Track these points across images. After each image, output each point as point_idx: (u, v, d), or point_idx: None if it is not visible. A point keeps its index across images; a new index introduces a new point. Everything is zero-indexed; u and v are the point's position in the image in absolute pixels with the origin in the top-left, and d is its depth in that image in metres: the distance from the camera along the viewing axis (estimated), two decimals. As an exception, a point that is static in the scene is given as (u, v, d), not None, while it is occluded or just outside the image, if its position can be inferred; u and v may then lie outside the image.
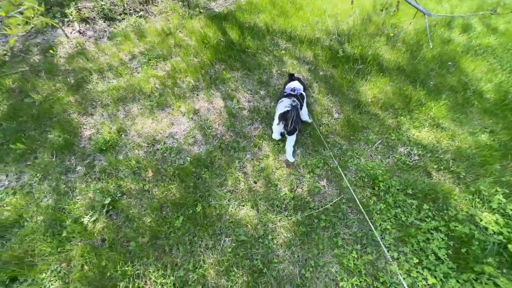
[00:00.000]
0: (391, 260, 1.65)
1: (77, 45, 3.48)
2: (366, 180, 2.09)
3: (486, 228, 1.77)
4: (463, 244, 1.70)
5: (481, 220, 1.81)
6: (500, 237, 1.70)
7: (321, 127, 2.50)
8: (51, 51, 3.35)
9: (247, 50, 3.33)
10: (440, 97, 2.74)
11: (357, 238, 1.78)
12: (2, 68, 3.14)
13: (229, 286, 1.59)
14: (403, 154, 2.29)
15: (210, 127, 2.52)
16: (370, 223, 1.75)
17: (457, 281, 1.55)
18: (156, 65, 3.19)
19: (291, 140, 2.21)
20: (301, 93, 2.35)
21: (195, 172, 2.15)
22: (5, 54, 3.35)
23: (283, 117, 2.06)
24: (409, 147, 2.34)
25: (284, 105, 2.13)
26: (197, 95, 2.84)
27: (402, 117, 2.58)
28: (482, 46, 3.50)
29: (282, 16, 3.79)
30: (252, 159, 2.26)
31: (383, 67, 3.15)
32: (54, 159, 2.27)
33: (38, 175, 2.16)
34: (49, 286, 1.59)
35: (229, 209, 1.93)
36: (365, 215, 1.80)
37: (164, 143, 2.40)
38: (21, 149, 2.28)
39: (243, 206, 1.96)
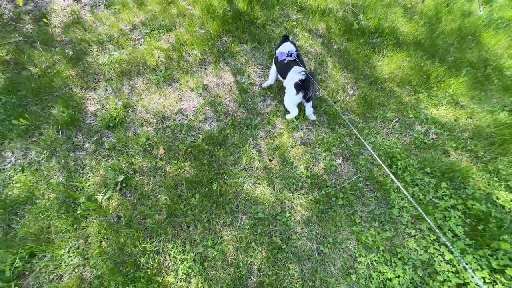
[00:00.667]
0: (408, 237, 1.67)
1: (72, 13, 3.22)
2: (383, 158, 2.06)
3: (503, 207, 1.78)
4: (479, 222, 1.71)
5: (498, 199, 1.81)
6: (517, 215, 1.71)
7: (336, 104, 2.41)
8: (44, 19, 3.10)
9: (255, 21, 3.11)
10: (460, 73, 2.63)
11: (374, 215, 1.78)
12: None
13: (249, 261, 1.60)
14: (421, 133, 2.23)
15: (221, 103, 2.41)
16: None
17: (473, 257, 1.57)
18: (160, 36, 2.99)
19: (309, 105, 2.18)
20: (298, 53, 2.20)
21: (208, 150, 2.09)
22: (-6, 22, 3.10)
23: (302, 86, 1.98)
24: (426, 126, 2.28)
25: (296, 73, 2.03)
26: (205, 69, 2.69)
27: (420, 94, 2.48)
28: (504, 19, 3.31)
29: (293, -17, 3.51)
30: (266, 137, 2.20)
31: (400, 40, 2.99)
32: (60, 136, 2.19)
33: (45, 152, 2.08)
34: (69, 262, 1.59)
35: (245, 187, 1.90)
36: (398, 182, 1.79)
37: (174, 120, 2.31)
38: (25, 125, 2.18)
39: (259, 184, 1.93)
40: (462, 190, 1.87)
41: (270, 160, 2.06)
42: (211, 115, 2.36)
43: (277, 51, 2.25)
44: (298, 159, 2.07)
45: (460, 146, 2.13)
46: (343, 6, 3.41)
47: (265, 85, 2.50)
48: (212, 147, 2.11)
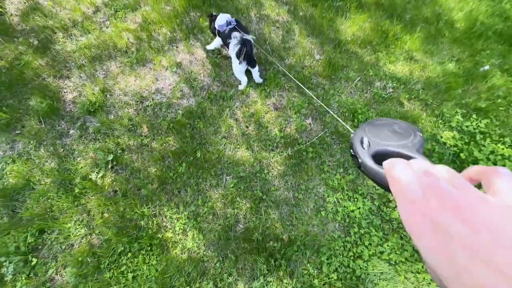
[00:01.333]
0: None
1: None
2: (347, 114, 2.31)
3: (445, 143, 2.11)
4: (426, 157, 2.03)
5: (441, 137, 2.14)
6: (455, 148, 2.05)
7: (304, 69, 2.59)
8: (-1, 8, 2.96)
9: (221, -7, 3.11)
10: (415, 29, 2.84)
11: (340, 163, 2.07)
12: None
13: (235, 213, 1.87)
14: (380, 88, 2.49)
15: (196, 79, 2.53)
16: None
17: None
18: (125, 16, 2.95)
19: (256, 71, 2.27)
20: (236, 20, 2.23)
21: (189, 123, 2.25)
22: None
23: (241, 54, 2.03)
24: (385, 81, 2.52)
25: (233, 43, 2.06)
26: (177, 47, 2.75)
27: (379, 53, 2.70)
28: (457, -27, 3.47)
29: (255, -51, 3.45)
30: (242, 106, 2.38)
31: (362, 2, 3.12)
32: (43, 126, 2.26)
33: (32, 142, 2.18)
34: (76, 233, 1.79)
35: (226, 152, 2.12)
36: (348, 129, 2.06)
37: (153, 99, 2.42)
38: (4, 118, 2.23)
39: (239, 148, 2.15)
40: (412, 133, 2.18)
41: (247, 127, 2.26)
42: (187, 91, 2.48)
43: (217, 25, 2.25)
44: (272, 123, 2.28)
45: (412, 96, 2.41)
46: (307, -30, 3.42)
47: (208, 47, 2.60)
48: (192, 121, 2.28)
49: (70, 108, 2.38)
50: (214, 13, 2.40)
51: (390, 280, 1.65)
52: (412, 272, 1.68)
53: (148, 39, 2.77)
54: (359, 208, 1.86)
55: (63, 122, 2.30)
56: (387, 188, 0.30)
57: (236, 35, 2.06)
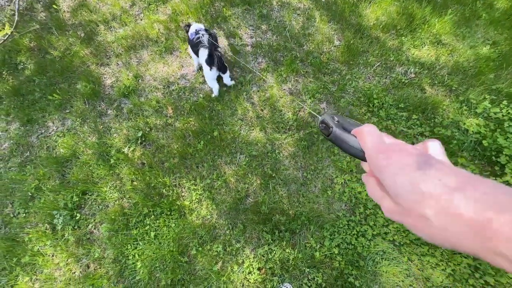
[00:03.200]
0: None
1: (77, -4, 3.49)
2: (362, 99, 2.30)
3: (467, 130, 2.01)
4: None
5: (464, 124, 2.03)
6: (478, 135, 1.94)
7: (321, 55, 2.60)
8: (54, 6, 3.41)
9: (245, -17, 3.21)
10: (446, 12, 2.66)
11: (351, 146, 2.09)
12: (16, 29, 3.30)
13: (246, 187, 2.02)
14: (400, 73, 2.41)
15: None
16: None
17: (433, 171, 1.87)
18: (157, 9, 3.21)
19: (226, 75, 2.31)
20: (206, 29, 2.25)
21: (209, 106, 2.44)
22: (13, 14, 3.47)
23: (212, 61, 2.08)
24: (407, 66, 2.44)
25: (203, 51, 2.11)
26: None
27: (403, 37, 2.60)
28: None
29: None
30: (258, 91, 2.49)
31: (389, -15, 2.99)
32: (87, 106, 2.62)
33: (78, 120, 2.55)
34: (111, 196, 2.10)
35: (241, 133, 2.26)
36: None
37: (178, 84, 2.65)
38: (58, 99, 2.63)
39: (253, 130, 2.28)
40: (431, 120, 2.11)
41: (262, 110, 2.38)
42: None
43: (189, 33, 2.30)
44: (286, 107, 2.37)
45: (436, 81, 2.30)
46: (333, -45, 3.36)
47: (194, 69, 2.65)
48: (211, 104, 2.46)
49: (109, 92, 2.72)
50: (191, 23, 2.43)
51: (392, 260, 1.68)
52: (416, 255, 1.68)
53: (176, 28, 3.00)
54: (366, 190, 1.88)
55: (102, 103, 2.64)
56: (353, 154, 0.40)
57: (204, 42, 2.09)
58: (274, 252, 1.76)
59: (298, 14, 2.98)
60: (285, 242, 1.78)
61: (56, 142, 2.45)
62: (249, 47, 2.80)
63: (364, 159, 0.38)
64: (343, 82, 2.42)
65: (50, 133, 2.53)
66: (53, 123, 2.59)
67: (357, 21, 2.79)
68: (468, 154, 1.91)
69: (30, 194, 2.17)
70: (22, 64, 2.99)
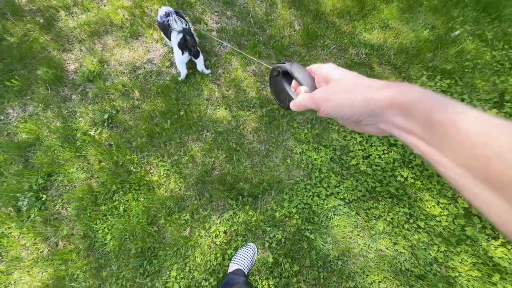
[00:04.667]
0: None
1: (34, -18, 3.35)
2: (319, 78, 2.50)
3: (408, 102, 2.27)
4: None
5: (405, 97, 2.30)
6: (415, 106, 2.21)
7: (283, 39, 2.77)
8: (8, -9, 3.25)
9: (209, -30, 3.28)
10: (393, 0, 2.94)
11: (308, 120, 2.29)
12: (-34, 14, 3.11)
13: (212, 161, 2.14)
14: (353, 54, 2.65)
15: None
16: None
17: (377, 137, 2.11)
18: (121, -5, 3.19)
19: (200, 60, 2.32)
20: (177, 12, 2.28)
21: (175, 88, 2.51)
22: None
23: (183, 45, 2.06)
24: (359, 48, 2.68)
25: (175, 35, 2.09)
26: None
27: (356, 22, 2.83)
28: None
29: None
30: (224, 73, 2.60)
31: (345, -25, 3.22)
32: (49, 92, 2.58)
33: (40, 105, 2.50)
34: (78, 177, 2.12)
35: (207, 112, 2.37)
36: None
37: (144, 68, 2.69)
38: (17, 85, 2.56)
39: (218, 108, 2.39)
40: (378, 94, 2.36)
41: (227, 90, 2.50)
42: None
43: (158, 17, 2.32)
44: (250, 87, 2.51)
45: (383, 61, 2.56)
46: None
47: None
48: (178, 86, 2.53)
49: (72, 77, 2.69)
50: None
51: (343, 215, 1.89)
52: (363, 209, 1.91)
53: (141, 14, 3.01)
54: (322, 157, 2.08)
55: (66, 89, 2.61)
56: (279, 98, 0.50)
57: (175, 25, 2.07)
58: (238, 216, 1.90)
59: (261, 1, 3.11)
60: (248, 206, 1.93)
61: (17, 128, 2.40)
62: (215, 32, 2.89)
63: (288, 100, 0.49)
64: (302, 63, 2.60)
65: (10, 120, 2.47)
66: (13, 109, 2.52)
67: (315, 7, 2.98)
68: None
69: (-10, 180, 2.13)
70: (-26, 50, 2.84)
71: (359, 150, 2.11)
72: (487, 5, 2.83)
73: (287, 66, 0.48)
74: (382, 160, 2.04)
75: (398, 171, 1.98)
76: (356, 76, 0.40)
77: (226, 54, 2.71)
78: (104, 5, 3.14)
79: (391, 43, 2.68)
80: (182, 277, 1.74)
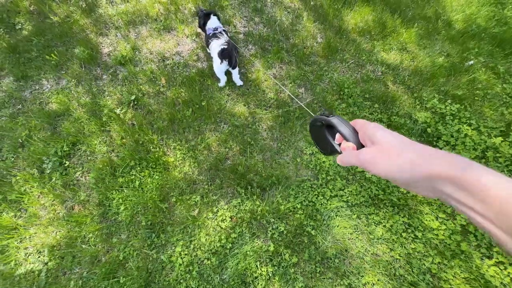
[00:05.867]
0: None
1: (81, -30, 3.63)
2: (335, 88, 2.64)
3: (417, 120, 2.39)
4: (396, 129, 2.33)
5: (415, 115, 2.42)
6: (424, 125, 2.33)
7: (305, 49, 2.94)
8: (57, -25, 3.53)
9: (244, -22, 3.52)
10: (413, 25, 3.11)
11: (321, 125, 2.41)
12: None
13: (227, 151, 2.27)
14: (370, 71, 2.79)
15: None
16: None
17: (385, 149, 2.22)
18: (159, -9, 3.43)
19: (236, 72, 2.45)
20: (224, 29, 2.43)
21: (200, 80, 2.68)
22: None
23: (225, 54, 2.17)
24: (376, 66, 2.83)
25: (218, 44, 2.21)
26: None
27: (375, 42, 3.00)
28: (467, -20, 3.67)
29: None
30: (246, 72, 2.77)
31: (369, -3, 3.42)
32: (83, 69, 2.77)
33: (73, 80, 2.68)
34: (100, 149, 2.26)
35: (227, 106, 2.52)
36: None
37: (172, 59, 2.87)
38: (55, 60, 2.76)
39: (238, 104, 2.54)
40: (389, 110, 2.48)
41: (247, 89, 2.65)
42: (202, 56, 2.91)
43: (206, 27, 2.48)
44: (269, 88, 2.66)
45: (398, 80, 2.70)
46: (324, -34, 3.76)
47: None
48: (202, 79, 2.70)
49: (105, 59, 2.88)
50: (204, 9, 2.57)
51: (344, 216, 1.98)
52: (364, 214, 2.00)
53: (175, 11, 3.23)
54: (330, 160, 2.19)
55: (98, 69, 2.80)
56: (345, 135, 0.49)
57: (221, 41, 2.20)
58: (245, 204, 2.01)
59: (288, 12, 3.32)
60: (255, 196, 2.03)
61: (49, 98, 2.58)
62: (242, 35, 3.08)
63: (336, 152, 0.52)
64: (321, 72, 2.75)
65: (44, 90, 2.65)
66: (47, 81, 2.71)
67: (339, 24, 3.17)
68: (415, 139, 2.28)
69: (20, 141, 2.28)
70: (20, 24, 3.08)
71: (366, 158, 2.21)
72: (502, 41, 2.97)
73: (333, 120, 0.50)
74: (387, 170, 2.14)
75: (402, 183, 2.07)
76: (403, 141, 0.40)
77: (250, 56, 2.88)
78: (143, -2, 3.38)
79: (407, 65, 2.83)
80: (186, 254, 1.84)
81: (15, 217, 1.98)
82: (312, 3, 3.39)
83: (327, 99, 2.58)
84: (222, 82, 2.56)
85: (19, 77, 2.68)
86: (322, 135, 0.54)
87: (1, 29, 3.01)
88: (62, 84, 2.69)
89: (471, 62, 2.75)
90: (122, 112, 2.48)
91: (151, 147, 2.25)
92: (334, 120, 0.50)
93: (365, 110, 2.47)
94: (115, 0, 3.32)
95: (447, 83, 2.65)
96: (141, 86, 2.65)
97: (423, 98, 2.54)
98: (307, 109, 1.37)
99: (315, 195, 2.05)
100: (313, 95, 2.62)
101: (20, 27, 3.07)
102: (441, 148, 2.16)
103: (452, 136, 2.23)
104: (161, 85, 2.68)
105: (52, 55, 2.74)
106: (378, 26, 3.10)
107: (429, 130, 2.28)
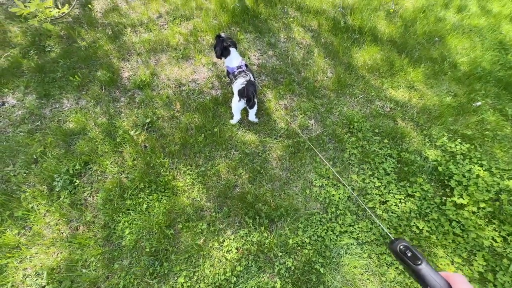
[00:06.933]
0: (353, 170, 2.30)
1: (111, 2, 3.97)
2: (345, 121, 2.69)
3: (427, 158, 2.39)
4: (407, 166, 2.33)
5: (425, 153, 2.42)
6: (435, 163, 2.32)
7: (315, 82, 3.06)
8: (89, 6, 3.86)
9: (259, 16, 3.79)
10: (420, 65, 3.24)
11: (330, 157, 2.42)
12: (71, 10, 3.67)
13: (236, 178, 2.27)
14: (378, 106, 2.86)
15: (225, 77, 3.09)
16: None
17: (396, 186, 2.20)
18: (180, 23, 3.69)
19: (253, 110, 2.47)
20: (246, 65, 2.48)
21: (213, 107, 2.77)
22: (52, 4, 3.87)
23: (244, 93, 2.19)
24: (384, 102, 2.90)
25: (240, 82, 2.23)
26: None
27: (383, 79, 3.11)
28: (470, 26, 3.89)
29: (293, -13, 4.17)
30: (258, 102, 2.86)
31: (377, 38, 3.62)
32: (103, 91, 2.90)
33: (92, 101, 2.80)
34: (111, 170, 2.28)
35: (238, 133, 2.57)
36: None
37: (188, 86, 3.00)
38: (77, 81, 2.91)
39: (249, 132, 2.59)
40: (399, 146, 2.50)
41: (259, 118, 2.72)
42: (217, 84, 3.04)
43: (227, 65, 2.52)
44: (280, 118, 2.72)
45: (407, 117, 2.75)
46: (335, 8, 4.05)
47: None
48: (216, 106, 2.79)
49: (125, 83, 3.03)
50: (222, 35, 2.57)
51: (355, 255, 1.90)
52: (375, 253, 1.92)
53: (194, 41, 3.45)
54: (340, 194, 2.17)
55: (117, 91, 2.93)
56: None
57: (242, 80, 2.23)
58: (253, 235, 1.95)
59: (300, 47, 3.51)
60: (263, 228, 1.99)
61: (68, 117, 2.67)
62: (255, 66, 3.24)
63: None
64: (331, 105, 2.83)
65: (63, 108, 2.76)
66: (68, 100, 2.83)
67: (348, 60, 3.32)
68: (426, 177, 2.26)
69: (34, 157, 2.33)
70: (49, 47, 3.30)
71: (376, 194, 2.18)
72: (507, 84, 3.06)
73: (423, 271, 0.50)
74: (398, 208, 2.10)
75: (414, 222, 2.02)
76: None
77: (263, 86, 3.00)
78: (165, 29, 3.63)
79: (415, 103, 2.90)
80: (188, 286, 1.76)
81: (18, 235, 1.95)
82: (322, 40, 3.60)
83: (337, 131, 2.62)
84: (235, 120, 2.57)
85: (42, 95, 2.81)
86: (410, 271, 0.53)
87: (32, 51, 3.23)
88: (82, 104, 2.80)
89: (479, 103, 2.81)
90: (136, 134, 2.54)
91: (162, 171, 2.26)
92: (424, 271, 0.49)
93: (374, 144, 2.49)
94: (139, 30, 3.58)
95: (456, 122, 2.69)
96: (156, 110, 2.74)
97: (433, 136, 2.56)
98: (376, 219, 1.39)
99: (324, 229, 2.00)
100: (323, 127, 2.67)
101: (49, 49, 3.29)
102: (453, 188, 2.13)
103: (464, 176, 2.21)
104: (176, 110, 2.77)
105: (76, 76, 2.90)
106: (386, 64, 3.24)
107: (440, 168, 2.27)
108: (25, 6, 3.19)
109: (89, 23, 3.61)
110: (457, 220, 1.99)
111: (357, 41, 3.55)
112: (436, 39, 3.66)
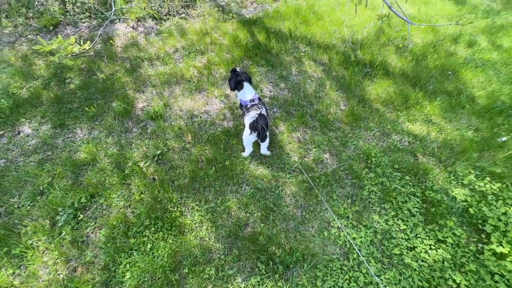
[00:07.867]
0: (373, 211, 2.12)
1: (131, 38, 4.21)
2: (361, 156, 2.57)
3: (455, 198, 2.20)
4: (433, 206, 2.13)
5: (452, 192, 2.24)
6: (465, 203, 2.12)
7: (328, 115, 3.01)
8: (111, 41, 4.10)
9: (271, 51, 3.91)
10: (435, 98, 3.17)
11: (348, 195, 2.26)
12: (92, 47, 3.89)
13: (247, 216, 2.12)
14: (396, 140, 2.75)
15: (237, 109, 3.09)
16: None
17: (423, 229, 1.99)
18: (195, 57, 3.84)
19: (265, 144, 2.42)
20: (259, 98, 2.49)
21: (225, 139, 2.71)
22: (75, 41, 4.13)
23: (254, 127, 2.17)
24: (402, 136, 2.79)
25: (252, 115, 2.21)
26: (228, 84, 3.43)
27: (399, 112, 3.04)
28: (483, 60, 3.89)
29: (304, 24, 4.37)
30: (271, 134, 2.80)
31: (389, 71, 3.62)
32: (116, 122, 2.92)
33: (104, 131, 2.81)
34: (117, 204, 2.18)
35: (250, 167, 2.47)
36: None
37: (200, 117, 3.00)
38: (92, 111, 2.95)
39: (261, 166, 2.49)
40: (423, 183, 2.33)
41: (271, 151, 2.64)
42: (229, 116, 3.03)
43: (240, 98, 2.54)
44: (293, 151, 2.63)
45: (427, 152, 2.61)
46: (345, 43, 4.16)
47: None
48: (227, 138, 2.74)
49: (138, 113, 3.06)
50: (237, 69, 2.61)
51: (383, 313, 1.66)
52: (407, 311, 1.66)
53: (208, 75, 3.54)
54: (361, 237, 1.97)
55: (130, 122, 2.95)
56: None
57: (253, 114, 2.20)
58: (266, 284, 1.75)
59: (311, 80, 3.54)
60: (278, 275, 1.78)
61: (79, 147, 2.66)
62: (268, 98, 3.25)
63: None
64: (346, 139, 2.74)
65: (76, 138, 2.76)
66: (81, 130, 2.85)
67: (361, 93, 3.30)
68: (456, 219, 2.05)
69: (41, 189, 2.27)
70: (70, 79, 3.43)
71: (402, 238, 1.97)
72: (532, 118, 2.92)
73: None
74: (429, 256, 1.87)
75: (449, 274, 1.77)
76: None
77: (275, 118, 2.97)
78: (180, 63, 3.77)
79: (435, 137, 2.77)
80: None
81: (12, 275, 1.81)
82: (334, 73, 3.63)
83: (353, 166, 2.48)
84: (247, 153, 2.52)
85: (57, 125, 2.85)
86: None
87: (52, 82, 3.36)
88: (94, 134, 2.81)
89: (504, 138, 2.66)
90: (145, 165, 2.48)
91: (169, 206, 2.15)
92: None
93: (395, 181, 2.33)
94: (155, 63, 3.72)
95: (482, 159, 2.52)
96: (167, 141, 2.71)
97: (458, 173, 2.39)
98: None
99: (346, 279, 1.78)
100: (339, 161, 2.55)
101: (69, 81, 3.42)
102: (489, 234, 1.91)
103: (499, 220, 1.99)
104: (187, 141, 2.73)
105: (91, 107, 2.95)
106: (400, 97, 3.19)
107: (471, 210, 2.07)
108: (48, 43, 3.40)
109: (109, 57, 3.80)
110: (499, 273, 1.74)
111: (368, 75, 3.56)
112: (449, 72, 3.63)
